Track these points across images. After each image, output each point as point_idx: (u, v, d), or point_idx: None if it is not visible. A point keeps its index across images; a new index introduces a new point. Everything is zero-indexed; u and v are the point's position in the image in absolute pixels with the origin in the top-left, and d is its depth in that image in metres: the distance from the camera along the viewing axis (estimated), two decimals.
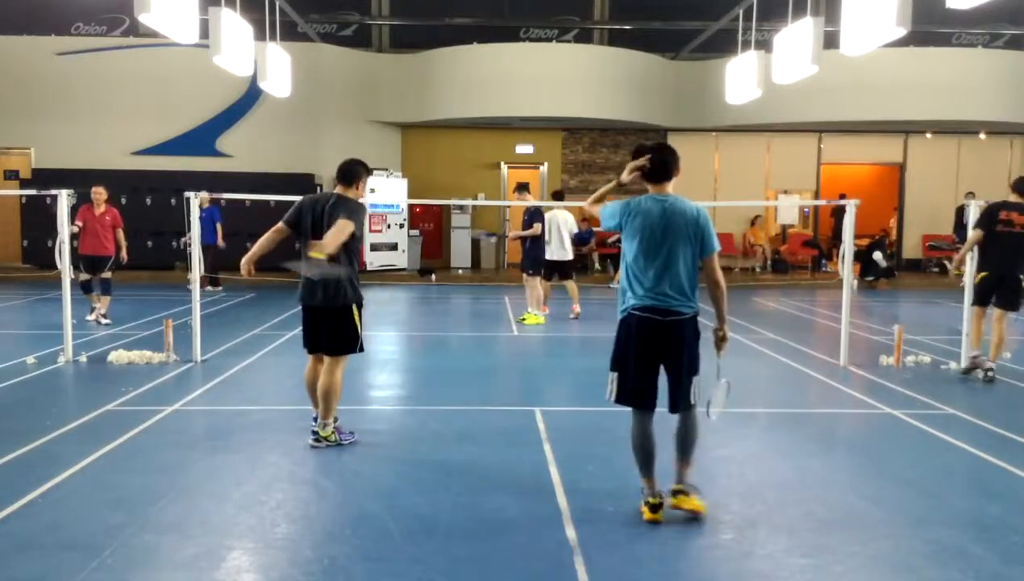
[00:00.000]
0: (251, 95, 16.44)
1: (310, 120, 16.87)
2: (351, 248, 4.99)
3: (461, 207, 17.45)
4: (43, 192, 8.51)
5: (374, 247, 16.52)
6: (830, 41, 9.59)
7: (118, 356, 7.66)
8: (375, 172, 13.69)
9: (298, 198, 5.26)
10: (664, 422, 4.04)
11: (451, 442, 5.32)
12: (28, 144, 16.84)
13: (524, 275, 10.85)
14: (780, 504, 4.25)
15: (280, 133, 16.77)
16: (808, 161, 18.82)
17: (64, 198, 7.75)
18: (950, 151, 18.64)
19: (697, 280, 4.01)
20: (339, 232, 4.77)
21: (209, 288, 13.35)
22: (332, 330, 5.04)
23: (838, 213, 16.68)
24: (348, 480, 4.57)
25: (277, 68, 11.26)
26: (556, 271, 10.87)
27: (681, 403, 3.97)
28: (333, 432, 5.13)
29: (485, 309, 12.70)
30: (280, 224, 5.15)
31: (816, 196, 18.63)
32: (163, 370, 7.31)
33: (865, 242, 16.30)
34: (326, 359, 5.11)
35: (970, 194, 14.84)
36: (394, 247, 16.96)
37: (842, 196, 13.53)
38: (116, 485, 4.37)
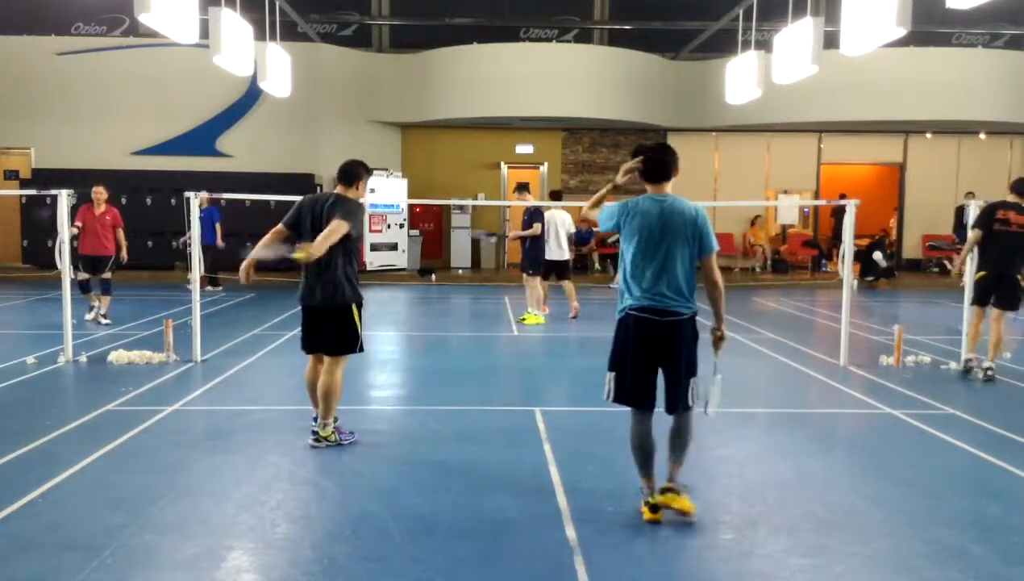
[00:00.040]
0: (251, 95, 16.45)
1: (310, 120, 16.88)
2: (350, 248, 4.99)
3: (461, 207, 17.45)
4: (43, 192, 8.52)
5: (374, 247, 16.53)
6: (830, 41, 9.59)
7: (118, 356, 7.66)
8: (375, 172, 13.69)
9: (298, 198, 5.26)
10: (664, 422, 4.04)
11: (451, 442, 5.32)
12: (28, 144, 16.84)
13: (524, 275, 10.85)
14: (780, 504, 4.25)
15: (280, 133, 16.78)
16: (808, 161, 18.83)
17: (64, 198, 7.75)
18: (950, 151, 18.64)
19: (695, 281, 4.01)
20: (328, 236, 4.76)
21: (209, 288, 13.35)
22: (332, 330, 5.04)
23: (838, 213, 16.68)
24: (348, 480, 4.57)
25: (277, 68, 11.26)
26: (553, 271, 10.87)
27: (679, 404, 3.96)
28: (333, 432, 5.13)
29: (485, 309, 12.70)
30: (279, 226, 5.15)
31: (816, 196, 18.63)
32: (163, 370, 7.31)
33: (865, 242, 16.30)
34: (326, 359, 5.11)
35: (970, 194, 14.83)
36: (394, 247, 16.96)
37: (842, 196, 13.54)
38: (116, 485, 4.37)
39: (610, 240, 16.79)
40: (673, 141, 15.85)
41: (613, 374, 4.01)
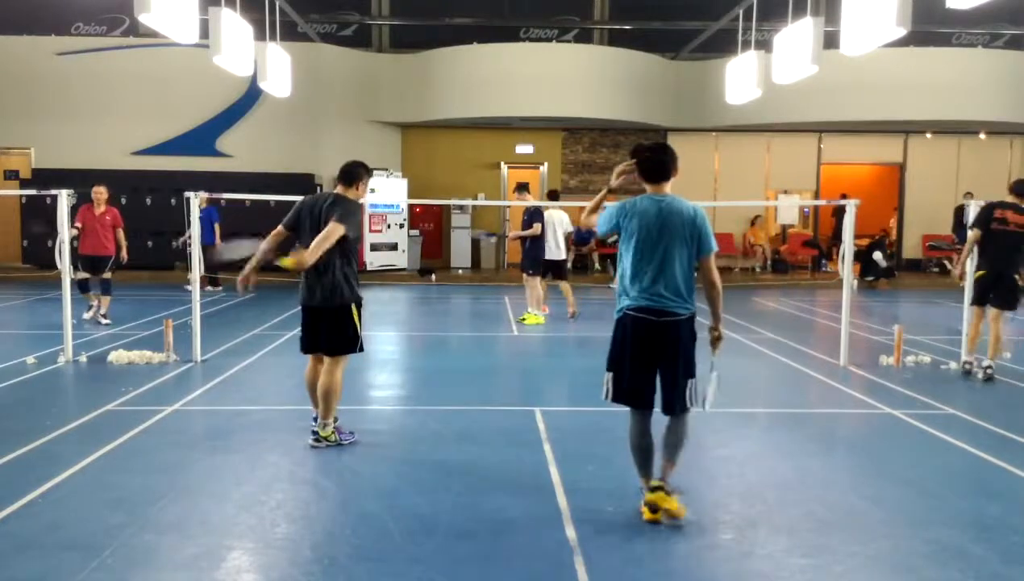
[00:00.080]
0: (251, 95, 16.44)
1: (310, 120, 16.88)
2: (348, 249, 4.99)
3: (461, 207, 17.45)
4: (43, 192, 8.52)
5: (374, 247, 16.53)
6: (830, 41, 9.59)
7: (118, 356, 7.66)
8: (375, 172, 13.68)
9: (298, 198, 5.27)
10: (663, 422, 4.04)
11: (451, 442, 5.32)
12: (28, 144, 16.84)
13: (524, 275, 10.85)
14: (780, 504, 4.25)
15: (280, 133, 16.78)
16: (808, 161, 18.82)
17: (64, 198, 7.76)
18: (950, 151, 18.64)
19: (694, 281, 4.00)
20: (321, 242, 4.75)
21: (209, 288, 13.35)
22: (332, 330, 5.04)
23: (838, 213, 16.68)
24: (348, 480, 4.57)
25: (277, 68, 11.26)
26: (550, 270, 10.88)
27: (677, 405, 3.94)
28: (333, 432, 5.13)
29: (485, 309, 12.70)
30: (279, 228, 5.15)
31: (816, 196, 18.63)
32: (163, 370, 7.31)
33: (865, 242, 16.31)
34: (326, 359, 5.11)
35: (968, 194, 14.84)
36: (394, 247, 16.96)
37: (843, 196, 13.53)
38: (116, 485, 4.37)
39: (610, 240, 16.74)
40: (673, 141, 15.83)
41: (611, 374, 4.00)
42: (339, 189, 5.10)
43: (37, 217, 15.09)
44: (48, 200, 12.59)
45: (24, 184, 15.74)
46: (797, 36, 8.98)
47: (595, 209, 4.29)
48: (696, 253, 3.95)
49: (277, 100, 13.92)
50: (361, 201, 5.17)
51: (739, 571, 3.51)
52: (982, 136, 18.33)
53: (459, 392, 6.84)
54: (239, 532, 3.82)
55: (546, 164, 18.69)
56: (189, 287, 8.59)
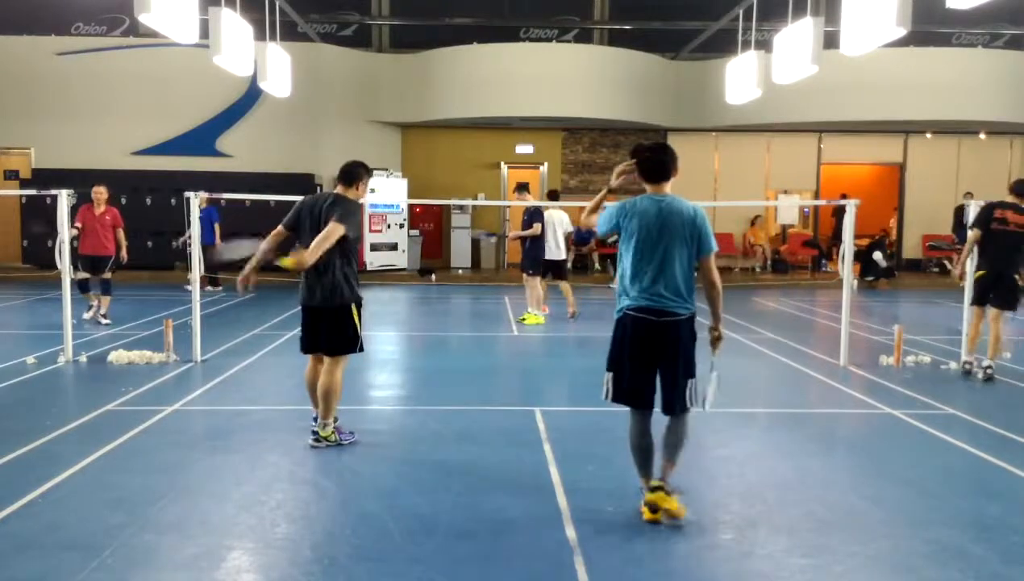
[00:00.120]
0: (251, 95, 16.44)
1: (310, 120, 16.88)
2: (348, 249, 4.99)
3: (461, 207, 17.45)
4: (43, 192, 8.52)
5: (374, 247, 16.53)
6: (830, 41, 9.59)
7: (118, 356, 7.66)
8: (375, 172, 13.69)
9: (298, 198, 5.27)
10: (663, 422, 4.04)
11: (451, 442, 5.32)
12: (28, 144, 16.84)
13: (524, 275, 10.85)
14: (780, 504, 4.25)
15: (280, 133, 16.78)
16: (808, 161, 18.82)
17: (64, 198, 7.76)
18: (950, 151, 18.64)
19: (694, 281, 3.99)
20: (321, 242, 4.75)
21: (209, 288, 13.35)
22: (331, 330, 5.04)
23: (838, 213, 16.68)
24: (348, 480, 4.57)
25: (277, 68, 11.27)
26: (550, 270, 10.88)
27: (677, 405, 3.94)
28: (333, 432, 5.13)
29: (485, 309, 12.70)
30: (279, 228, 5.15)
31: (816, 196, 18.63)
32: (163, 370, 7.31)
33: (865, 242, 16.30)
34: (326, 359, 5.11)
35: (968, 194, 14.84)
36: (394, 247, 16.96)
37: (843, 196, 13.53)
38: (116, 485, 4.37)
39: (611, 240, 16.75)
40: (673, 141, 15.82)
41: (611, 374, 4.00)
42: (339, 189, 5.10)
43: (37, 217, 15.08)
44: (48, 200, 12.59)
45: (24, 184, 15.74)
46: (797, 36, 8.99)
47: (595, 209, 4.29)
48: (696, 253, 3.95)
49: (277, 100, 13.92)
50: (361, 201, 5.17)
51: (739, 571, 3.51)
52: (982, 136, 18.33)
53: (459, 392, 6.84)
54: (239, 532, 3.82)
55: (546, 164, 18.69)
56: (189, 287, 8.58)
